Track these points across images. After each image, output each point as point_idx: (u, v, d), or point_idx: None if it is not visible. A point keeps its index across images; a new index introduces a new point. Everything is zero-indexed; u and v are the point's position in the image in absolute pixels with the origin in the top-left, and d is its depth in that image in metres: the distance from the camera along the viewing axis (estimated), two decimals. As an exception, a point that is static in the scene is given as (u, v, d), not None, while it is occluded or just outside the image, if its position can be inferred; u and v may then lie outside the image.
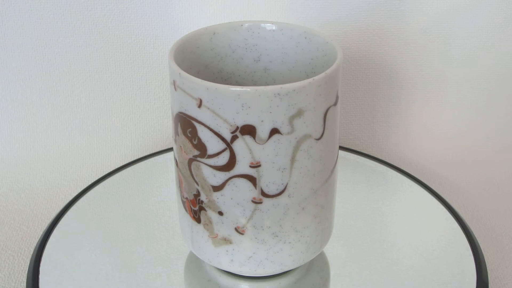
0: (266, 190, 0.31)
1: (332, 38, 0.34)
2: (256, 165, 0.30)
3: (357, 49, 0.52)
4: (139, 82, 0.53)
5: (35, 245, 0.41)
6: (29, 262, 0.40)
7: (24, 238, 0.43)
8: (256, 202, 0.31)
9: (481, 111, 0.55)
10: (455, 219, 0.41)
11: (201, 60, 0.35)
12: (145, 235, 0.40)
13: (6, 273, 0.40)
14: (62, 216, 0.41)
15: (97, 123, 0.53)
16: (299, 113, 0.29)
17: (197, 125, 0.30)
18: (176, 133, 0.32)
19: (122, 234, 0.40)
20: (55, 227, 0.40)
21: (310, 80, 0.29)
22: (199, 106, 0.29)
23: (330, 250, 0.39)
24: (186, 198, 0.33)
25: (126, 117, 0.53)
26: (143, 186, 0.45)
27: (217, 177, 0.31)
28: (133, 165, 0.47)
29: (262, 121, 0.29)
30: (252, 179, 0.30)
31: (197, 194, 0.32)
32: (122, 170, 0.47)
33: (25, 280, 0.39)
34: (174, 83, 0.31)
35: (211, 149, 0.30)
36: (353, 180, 0.46)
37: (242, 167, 0.30)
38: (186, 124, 0.30)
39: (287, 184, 0.31)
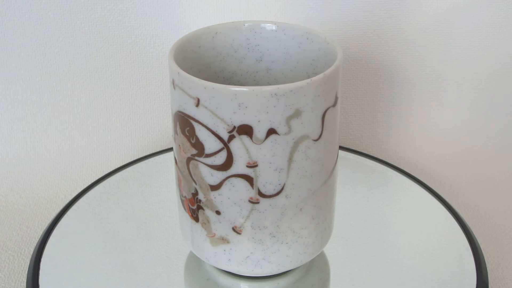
0: (263, 190, 0.31)
1: (333, 38, 0.34)
2: (253, 165, 0.30)
3: (357, 49, 0.52)
4: (139, 82, 0.53)
5: (35, 245, 0.41)
6: (29, 262, 0.40)
7: (24, 238, 0.43)
8: (253, 202, 0.31)
9: (481, 111, 0.55)
10: (455, 219, 0.41)
11: (203, 60, 0.35)
12: (145, 235, 0.40)
13: (6, 273, 0.40)
14: (62, 216, 0.41)
15: (97, 123, 0.53)
16: (296, 114, 0.29)
17: (195, 124, 0.30)
18: (175, 131, 0.32)
19: (122, 234, 0.40)
20: (55, 227, 0.40)
21: (308, 80, 0.29)
22: (197, 105, 0.29)
23: (330, 250, 0.39)
24: (185, 197, 0.33)
25: (126, 117, 0.53)
26: (143, 186, 0.45)
27: (215, 176, 0.31)
28: (133, 165, 0.47)
29: (259, 121, 0.29)
30: (249, 179, 0.30)
31: (195, 193, 0.32)
32: (122, 170, 0.47)
33: (25, 280, 0.39)
34: (173, 82, 0.31)
35: (208, 148, 0.30)
36: (353, 180, 0.46)
37: (239, 167, 0.30)
38: (184, 123, 0.30)
39: (284, 184, 0.31)
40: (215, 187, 0.31)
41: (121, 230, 0.41)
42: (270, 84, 0.36)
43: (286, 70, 0.36)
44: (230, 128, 0.29)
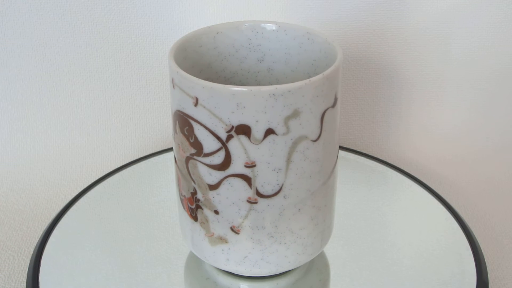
0: (261, 191, 0.31)
1: (333, 39, 0.34)
2: (251, 165, 0.30)
3: (357, 49, 0.52)
4: (139, 82, 0.53)
5: (35, 245, 0.41)
6: (29, 262, 0.40)
7: (24, 238, 0.43)
8: (251, 202, 0.31)
9: (481, 111, 0.55)
10: (455, 219, 0.41)
11: (204, 59, 0.35)
12: (145, 235, 0.40)
13: (6, 273, 0.40)
14: (62, 216, 0.41)
15: (97, 123, 0.53)
16: (294, 114, 0.29)
17: (194, 124, 0.30)
18: (175, 131, 0.32)
19: (122, 234, 0.40)
20: (55, 227, 0.40)
21: (306, 81, 0.29)
22: (195, 104, 0.29)
23: (330, 250, 0.39)
24: (184, 196, 0.33)
25: (126, 117, 0.53)
26: (143, 186, 0.45)
27: (213, 176, 0.31)
28: (133, 165, 0.47)
29: (257, 121, 0.29)
30: (247, 179, 0.30)
31: (194, 192, 0.32)
32: (122, 170, 0.47)
33: (25, 280, 0.39)
34: (172, 81, 0.31)
35: (207, 148, 0.30)
36: (353, 180, 0.46)
37: (237, 166, 0.30)
38: (183, 122, 0.31)
39: (282, 185, 0.31)
40: (213, 187, 0.31)
41: (121, 230, 0.41)
42: (271, 85, 0.36)
43: (287, 70, 0.36)
44: (228, 128, 0.29)
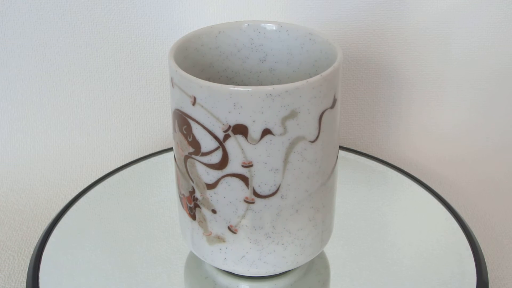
0: (258, 191, 0.31)
1: (334, 40, 0.34)
2: (248, 165, 0.30)
3: (357, 49, 0.52)
4: (139, 82, 0.53)
5: (35, 245, 0.41)
6: (29, 262, 0.40)
7: (24, 238, 0.43)
8: (248, 202, 0.31)
9: (481, 111, 0.55)
10: (455, 219, 0.41)
11: (206, 59, 0.35)
12: (145, 235, 0.40)
13: (6, 273, 0.40)
14: (62, 216, 0.41)
15: (97, 123, 0.53)
16: (292, 115, 0.29)
17: (192, 123, 0.30)
18: (174, 129, 0.32)
19: (122, 234, 0.40)
20: (55, 227, 0.40)
21: (303, 81, 0.29)
22: (193, 103, 0.29)
23: (330, 250, 0.39)
24: (183, 195, 0.33)
25: (126, 117, 0.53)
26: (143, 186, 0.45)
27: (211, 175, 0.31)
28: (133, 165, 0.47)
29: (254, 121, 0.29)
30: (244, 179, 0.30)
31: (192, 191, 0.32)
32: (122, 170, 0.47)
33: (25, 280, 0.39)
34: (172, 80, 0.31)
35: (204, 147, 0.30)
36: (353, 180, 0.46)
37: (234, 166, 0.30)
38: (182, 121, 0.31)
39: (279, 185, 0.31)
40: (211, 186, 0.31)
41: (121, 230, 0.41)
42: (273, 85, 0.36)
43: (289, 70, 0.36)
44: (226, 128, 0.29)
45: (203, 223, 0.33)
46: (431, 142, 0.54)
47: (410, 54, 0.53)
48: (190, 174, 0.32)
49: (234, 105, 0.28)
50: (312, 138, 0.30)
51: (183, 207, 0.34)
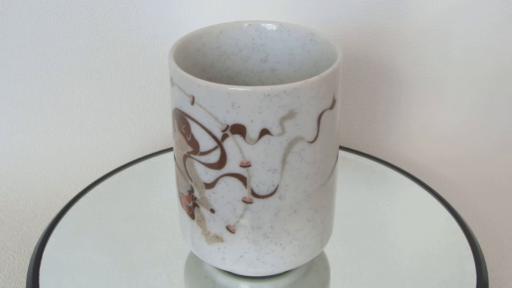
0: (256, 191, 0.31)
1: (335, 40, 0.34)
2: (246, 165, 0.30)
3: (357, 49, 0.52)
4: (139, 82, 0.53)
5: (35, 245, 0.41)
6: (29, 262, 0.40)
7: (24, 238, 0.43)
8: (246, 201, 0.31)
9: (481, 111, 0.55)
10: (455, 219, 0.41)
11: (207, 58, 0.35)
12: (145, 235, 0.40)
13: (6, 273, 0.40)
14: (62, 216, 0.41)
15: (97, 123, 0.53)
16: (290, 115, 0.29)
17: (191, 122, 0.30)
18: (174, 129, 0.32)
19: (122, 234, 0.40)
20: (55, 227, 0.40)
21: (302, 82, 0.29)
22: (192, 103, 0.29)
23: (330, 250, 0.39)
24: (182, 194, 0.33)
25: (126, 117, 0.53)
26: (143, 186, 0.45)
27: (209, 175, 0.31)
28: (133, 165, 0.47)
29: (252, 121, 0.29)
30: (242, 179, 0.30)
31: (191, 191, 0.32)
32: (122, 170, 0.47)
33: (25, 280, 0.39)
34: (171, 79, 0.31)
35: (203, 146, 0.30)
36: (353, 180, 0.46)
37: (232, 166, 0.30)
38: (181, 120, 0.31)
39: (278, 185, 0.31)
40: (209, 185, 0.31)
41: (121, 230, 0.41)
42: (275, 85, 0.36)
43: (290, 71, 0.36)
44: (224, 127, 0.29)
45: (201, 222, 0.33)
46: (431, 142, 0.54)
47: (410, 54, 0.53)
48: (189, 173, 0.32)
49: (232, 105, 0.28)
50: (311, 139, 0.30)
51: (182, 207, 0.34)
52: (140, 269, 0.37)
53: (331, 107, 0.31)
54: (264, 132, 0.29)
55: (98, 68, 0.52)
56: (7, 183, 0.49)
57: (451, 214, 0.41)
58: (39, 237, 0.42)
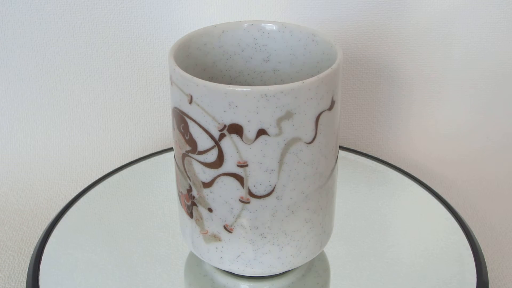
0: (253, 191, 0.31)
1: (336, 41, 0.34)
2: (243, 165, 0.30)
3: (357, 49, 0.52)
4: (139, 82, 0.53)
5: (35, 245, 0.41)
6: (29, 262, 0.40)
7: (24, 238, 0.43)
8: (243, 201, 0.31)
9: (481, 111, 0.55)
10: (455, 219, 0.41)
11: (208, 58, 0.35)
12: (145, 235, 0.40)
13: (6, 273, 0.40)
14: (62, 216, 0.41)
15: (97, 123, 0.53)
16: (287, 116, 0.29)
17: (189, 121, 0.30)
18: (173, 127, 0.32)
19: (122, 234, 0.40)
20: (55, 227, 0.40)
21: (299, 82, 0.29)
22: (190, 102, 0.29)
23: (330, 250, 0.39)
24: (181, 193, 0.33)
25: (126, 117, 0.53)
26: (143, 186, 0.45)
27: (207, 174, 0.31)
28: (133, 165, 0.47)
29: (249, 121, 0.29)
30: (239, 178, 0.30)
31: (190, 189, 0.32)
32: (122, 170, 0.47)
33: (25, 280, 0.39)
34: (170, 78, 0.31)
35: (201, 146, 0.30)
36: (353, 180, 0.46)
37: (229, 165, 0.30)
38: (179, 119, 0.31)
39: (275, 186, 0.30)
40: (207, 184, 0.31)
41: (121, 230, 0.41)
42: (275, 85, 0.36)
43: (292, 71, 0.36)
44: (221, 127, 0.29)
45: (200, 221, 0.33)
46: (431, 142, 0.54)
47: (410, 54, 0.53)
48: (188, 172, 0.32)
49: (229, 105, 0.29)
50: (309, 140, 0.30)
51: (181, 205, 0.34)
52: (140, 269, 0.37)
53: (330, 108, 0.31)
54: (261, 132, 0.29)
55: (98, 68, 0.52)
56: (7, 183, 0.49)
57: (451, 214, 0.41)
58: (39, 237, 0.42)
